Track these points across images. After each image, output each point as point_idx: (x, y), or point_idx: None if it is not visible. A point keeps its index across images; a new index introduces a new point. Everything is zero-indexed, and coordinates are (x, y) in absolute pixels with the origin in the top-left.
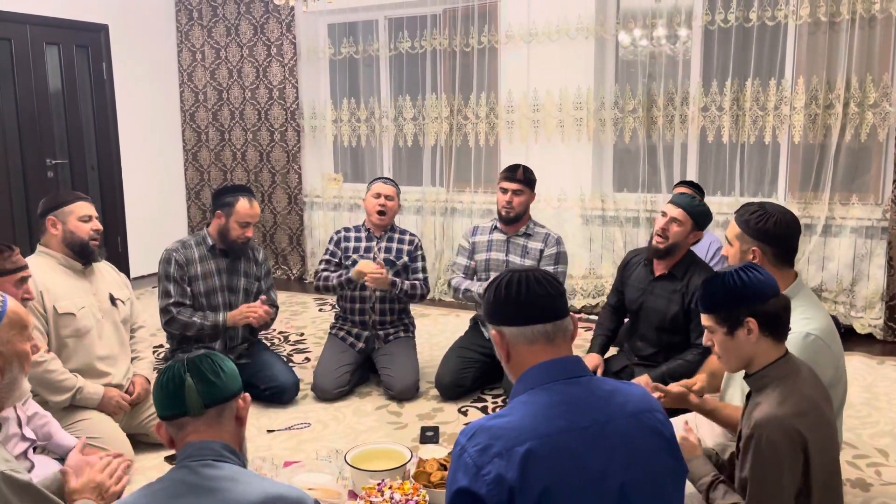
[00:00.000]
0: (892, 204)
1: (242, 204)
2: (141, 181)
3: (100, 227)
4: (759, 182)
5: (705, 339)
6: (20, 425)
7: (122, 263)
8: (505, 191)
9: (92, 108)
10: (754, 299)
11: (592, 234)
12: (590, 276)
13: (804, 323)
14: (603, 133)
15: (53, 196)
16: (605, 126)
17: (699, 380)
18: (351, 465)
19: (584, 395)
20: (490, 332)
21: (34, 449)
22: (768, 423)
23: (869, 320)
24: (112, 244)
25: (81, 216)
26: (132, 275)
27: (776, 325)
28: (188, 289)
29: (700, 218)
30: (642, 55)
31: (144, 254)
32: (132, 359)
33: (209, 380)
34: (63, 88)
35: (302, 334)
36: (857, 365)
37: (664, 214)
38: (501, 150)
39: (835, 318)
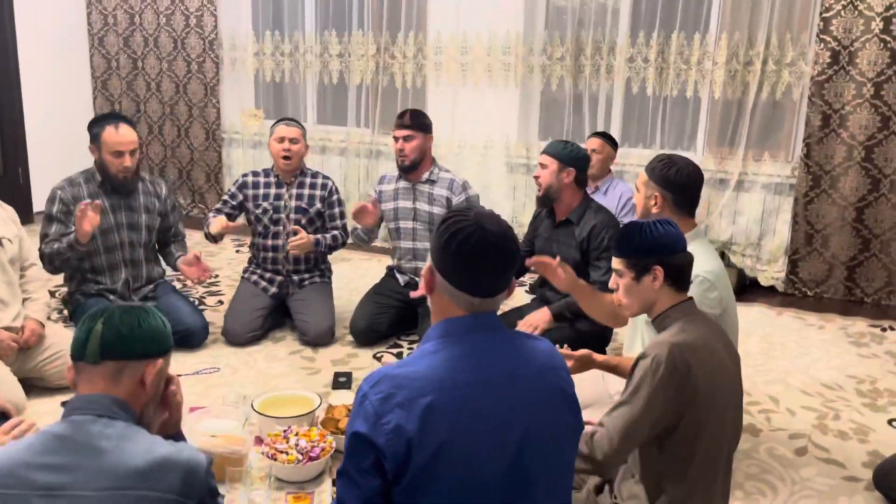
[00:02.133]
0: (801, 162)
1: (108, 132)
2: (44, 109)
3: None
4: (679, 136)
5: (612, 282)
6: None
7: (24, 196)
8: (396, 139)
9: None
10: (664, 250)
11: (516, 183)
12: (513, 223)
13: (695, 266)
14: (531, 80)
15: None
16: (532, 73)
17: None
18: (257, 412)
19: (491, 348)
20: (427, 262)
21: None
22: (657, 345)
23: (772, 273)
24: (12, 175)
25: None
26: (35, 209)
27: (679, 276)
28: (72, 228)
29: (564, 157)
30: (573, 2)
31: (49, 187)
32: (24, 300)
33: (118, 330)
34: None
35: (216, 276)
36: (757, 316)
37: (541, 165)
38: (428, 92)
39: (741, 271)
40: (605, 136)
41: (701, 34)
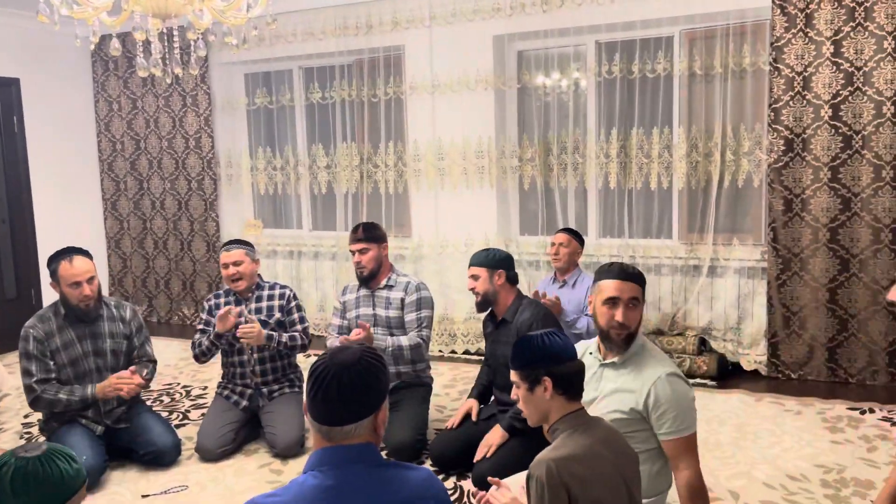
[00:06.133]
0: (769, 246)
1: (63, 266)
2: (57, 232)
3: None
4: (648, 226)
5: (513, 393)
6: None
7: None
8: (353, 252)
9: (2, 160)
10: (552, 361)
11: None
12: None
13: (667, 364)
14: (505, 180)
15: None
16: (506, 174)
17: None
18: None
19: (357, 480)
20: None
21: None
22: (538, 465)
23: (754, 357)
24: (25, 297)
25: None
26: None
27: (569, 385)
28: (51, 363)
29: (491, 263)
30: (539, 105)
31: None
32: None
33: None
34: None
35: (205, 388)
36: (736, 404)
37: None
38: (411, 196)
39: (722, 356)
40: (571, 232)
41: (659, 129)
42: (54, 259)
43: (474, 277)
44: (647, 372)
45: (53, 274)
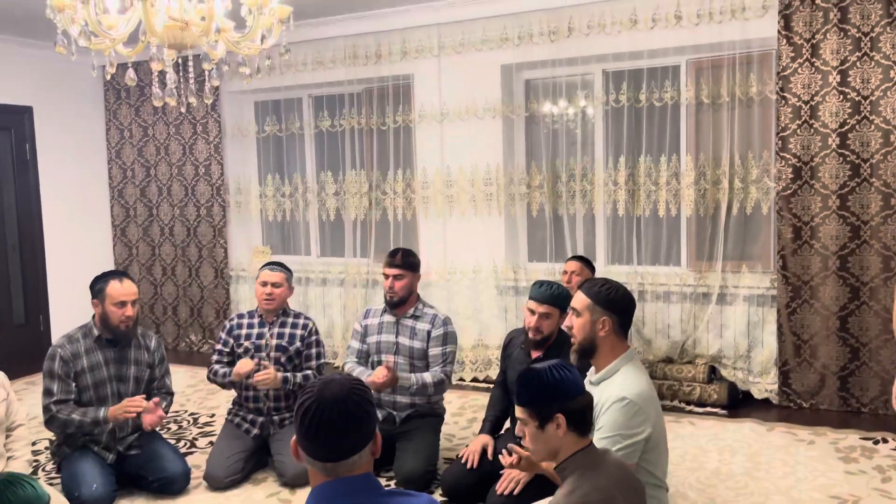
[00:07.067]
0: (778, 273)
1: (113, 286)
2: (67, 258)
3: None
4: (656, 253)
5: (518, 430)
6: None
7: (45, 343)
8: (387, 276)
9: (14, 187)
10: (565, 396)
11: (507, 305)
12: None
13: (621, 388)
14: (513, 207)
15: None
16: (514, 200)
17: None
18: None
19: None
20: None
21: None
22: None
23: (765, 385)
24: (33, 323)
25: None
26: None
27: (581, 420)
28: (73, 385)
29: (564, 302)
30: (546, 133)
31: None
32: (7, 458)
33: None
34: None
35: (213, 415)
36: (747, 433)
37: (532, 312)
38: (419, 223)
39: (732, 384)
40: (583, 259)
41: (667, 157)
42: (103, 278)
43: (545, 316)
44: (610, 391)
45: (100, 292)
